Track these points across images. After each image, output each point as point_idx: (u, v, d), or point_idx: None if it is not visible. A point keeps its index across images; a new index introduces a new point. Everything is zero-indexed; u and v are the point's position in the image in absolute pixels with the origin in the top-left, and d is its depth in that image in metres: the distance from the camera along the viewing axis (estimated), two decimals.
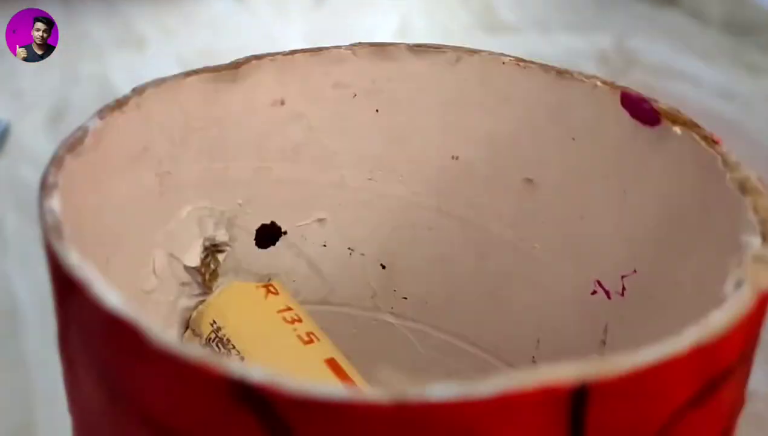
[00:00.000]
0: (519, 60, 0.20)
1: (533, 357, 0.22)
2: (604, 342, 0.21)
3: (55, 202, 0.13)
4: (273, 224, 0.21)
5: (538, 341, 0.22)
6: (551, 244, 0.21)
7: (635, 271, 0.19)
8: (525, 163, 0.21)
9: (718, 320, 0.11)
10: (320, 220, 0.22)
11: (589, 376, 0.10)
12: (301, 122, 0.20)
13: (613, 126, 0.19)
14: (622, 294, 0.20)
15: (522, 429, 0.10)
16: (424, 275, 0.23)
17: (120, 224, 0.17)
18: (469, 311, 0.23)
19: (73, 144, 0.15)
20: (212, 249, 0.20)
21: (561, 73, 0.19)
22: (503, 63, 0.20)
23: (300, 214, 0.21)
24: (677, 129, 0.17)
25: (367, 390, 0.10)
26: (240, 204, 0.20)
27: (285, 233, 0.21)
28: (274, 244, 0.21)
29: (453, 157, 0.21)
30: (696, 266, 0.17)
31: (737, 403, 0.13)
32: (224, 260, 0.21)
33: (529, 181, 0.21)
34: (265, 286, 0.21)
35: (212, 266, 0.20)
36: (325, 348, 0.20)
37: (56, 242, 0.12)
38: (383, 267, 0.23)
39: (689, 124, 0.17)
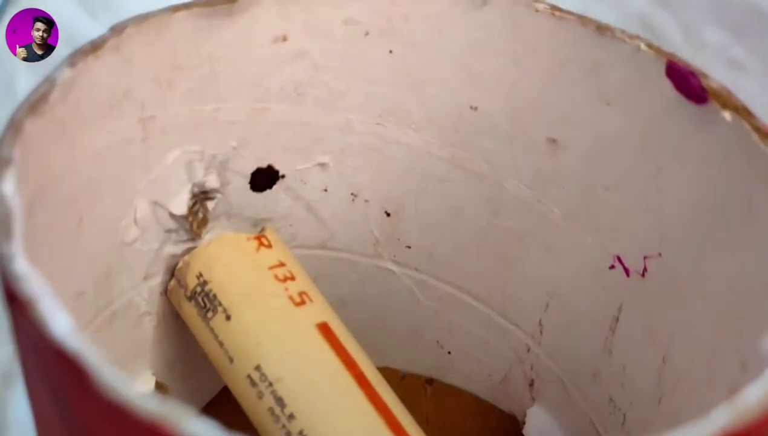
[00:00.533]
0: (555, 9, 0.17)
1: (540, 320, 0.21)
2: (617, 318, 0.19)
3: (7, 186, 0.11)
4: (270, 167, 0.19)
5: (547, 305, 0.21)
6: (571, 210, 0.19)
7: (660, 254, 0.18)
8: (550, 121, 0.19)
9: (755, 396, 0.10)
10: (322, 164, 0.20)
11: None
12: (304, 61, 0.18)
13: (654, 96, 0.17)
14: (643, 275, 0.18)
15: None
16: (431, 226, 0.21)
17: (95, 178, 0.16)
18: (476, 266, 0.21)
19: (36, 103, 0.13)
20: (201, 196, 0.18)
21: (601, 28, 0.17)
22: (536, 10, 0.17)
23: (300, 158, 0.20)
24: (726, 114, 0.15)
25: None
26: (234, 147, 0.19)
27: (283, 176, 0.20)
28: (270, 188, 0.20)
29: (471, 108, 0.19)
30: (729, 266, 0.16)
31: None
32: (215, 206, 0.19)
33: (552, 141, 0.19)
34: (257, 237, 0.19)
35: (200, 215, 0.18)
36: (317, 311, 0.18)
37: (2, 242, 0.11)
38: (387, 215, 0.21)
39: (741, 111, 0.15)
